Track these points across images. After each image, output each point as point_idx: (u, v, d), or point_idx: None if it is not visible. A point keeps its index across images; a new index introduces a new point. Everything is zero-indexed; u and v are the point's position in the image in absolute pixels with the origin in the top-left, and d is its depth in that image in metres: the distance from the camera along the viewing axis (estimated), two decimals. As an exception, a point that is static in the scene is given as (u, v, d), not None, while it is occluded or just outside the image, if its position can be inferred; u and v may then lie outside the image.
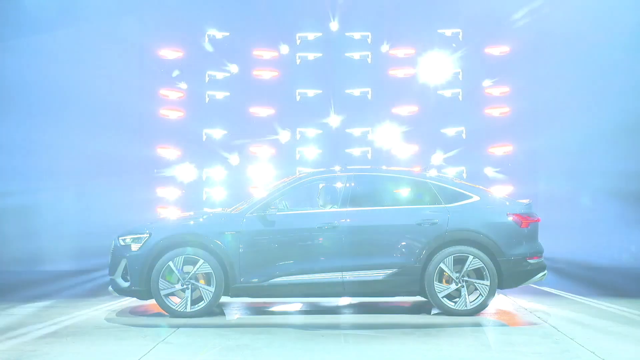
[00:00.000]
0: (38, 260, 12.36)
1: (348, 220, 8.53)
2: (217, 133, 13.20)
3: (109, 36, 12.90)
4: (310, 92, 13.19)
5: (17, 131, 12.43)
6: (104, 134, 12.74)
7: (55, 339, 7.35)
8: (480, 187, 9.30)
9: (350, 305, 9.23)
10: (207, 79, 13.23)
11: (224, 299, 8.60)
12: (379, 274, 8.41)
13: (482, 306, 8.37)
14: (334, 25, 13.06)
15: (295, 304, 9.32)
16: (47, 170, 12.60)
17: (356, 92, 13.17)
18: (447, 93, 13.16)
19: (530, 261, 8.52)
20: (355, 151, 13.13)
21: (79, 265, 12.02)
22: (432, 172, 9.62)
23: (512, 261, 8.43)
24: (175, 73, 12.70)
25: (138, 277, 8.36)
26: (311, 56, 13.19)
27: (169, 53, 13.08)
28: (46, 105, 12.61)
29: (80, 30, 12.81)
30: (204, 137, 13.20)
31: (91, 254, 11.72)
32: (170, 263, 8.34)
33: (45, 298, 9.86)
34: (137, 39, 13.12)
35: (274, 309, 9.19)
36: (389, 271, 8.41)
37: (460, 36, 13.20)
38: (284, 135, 13.12)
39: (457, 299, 8.40)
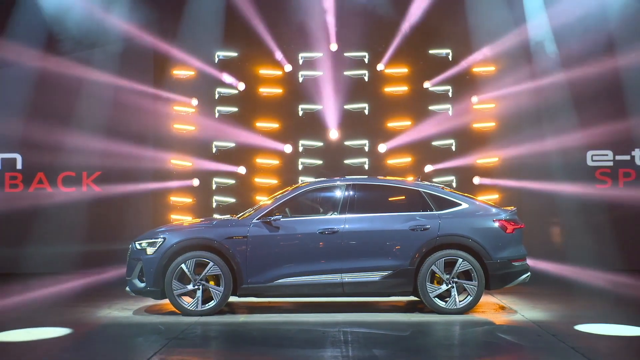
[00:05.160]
0: (64, 262, 12.25)
1: (347, 225, 8.61)
2: (226, 145, 13.15)
3: (128, 56, 12.88)
4: (312, 108, 13.17)
5: (46, 139, 12.35)
6: (123, 146, 12.65)
7: (77, 336, 7.54)
8: (469, 195, 9.38)
9: (349, 304, 9.27)
10: (216, 95, 13.18)
11: (232, 298, 8.68)
12: (375, 276, 8.52)
13: (471, 305, 8.50)
14: (333, 47, 13.02)
15: (298, 303, 9.38)
16: (74, 179, 12.59)
17: (354, 107, 13.13)
18: (438, 108, 13.05)
19: (515, 264, 8.62)
20: (353, 162, 13.08)
21: (98, 267, 11.94)
22: (431, 180, 9.77)
23: (498, 264, 8.51)
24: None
25: (153, 278, 8.46)
26: (313, 75, 13.15)
27: (183, 72, 13.03)
28: (74, 118, 12.58)
29: (104, 51, 12.79)
30: (214, 149, 13.13)
31: (110, 257, 11.67)
32: (183, 265, 8.44)
33: (69, 298, 9.96)
34: (154, 59, 13.08)
35: (279, 308, 9.20)
36: (384, 273, 8.51)
37: (449, 56, 13.09)
38: (287, 148, 13.09)
39: (448, 299, 8.51)
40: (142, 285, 8.54)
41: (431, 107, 13.10)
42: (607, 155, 12.78)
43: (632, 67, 12.39)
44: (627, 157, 12.78)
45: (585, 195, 12.47)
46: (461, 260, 8.49)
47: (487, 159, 12.98)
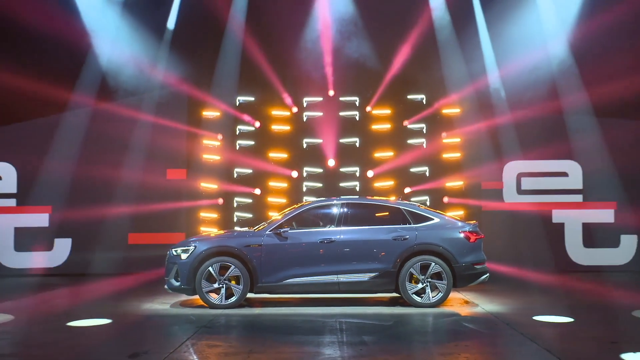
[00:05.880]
0: (119, 265, 12.21)
1: (341, 236, 8.66)
2: (244, 172, 13.10)
3: (168, 100, 12.92)
4: (314, 142, 13.16)
5: (102, 169, 12.33)
6: (162, 172, 12.77)
7: (127, 323, 7.70)
8: (440, 211, 9.39)
9: (343, 300, 9.27)
10: (237, 132, 13.13)
11: (249, 295, 8.73)
12: (364, 276, 8.57)
13: (441, 300, 8.57)
14: (331, 93, 13.04)
15: (303, 299, 9.35)
16: (124, 195, 12.46)
17: (348, 141, 13.11)
18: (415, 142, 13.05)
19: (477, 267, 8.70)
20: (347, 185, 13.03)
21: (142, 270, 11.91)
22: (409, 200, 9.55)
23: (463, 267, 8.58)
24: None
25: (186, 278, 8.50)
26: (314, 115, 13.14)
27: (211, 113, 13.02)
28: (126, 149, 12.55)
29: (149, 97, 12.79)
30: (235, 175, 13.02)
31: (152, 261, 11.56)
32: (210, 268, 8.51)
33: (121, 294, 9.96)
34: (188, 102, 13.05)
35: (287, 302, 9.20)
36: (372, 274, 8.57)
37: (424, 101, 13.05)
38: (294, 173, 13.06)
39: (423, 295, 8.57)
40: (178, 284, 8.59)
41: (409, 141, 13.06)
42: (539, 180, 12.73)
43: (569, 110, 12.39)
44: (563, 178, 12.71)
45: (530, 211, 12.48)
46: (434, 264, 8.55)
47: (454, 182, 12.95)
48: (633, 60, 11.57)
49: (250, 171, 13.19)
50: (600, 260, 12.34)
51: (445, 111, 13.14)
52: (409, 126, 13.18)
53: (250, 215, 13.05)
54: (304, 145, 13.27)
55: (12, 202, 12.63)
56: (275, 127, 13.25)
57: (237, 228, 12.51)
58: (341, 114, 13.19)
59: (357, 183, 13.16)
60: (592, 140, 12.26)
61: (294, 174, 13.18)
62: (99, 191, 12.45)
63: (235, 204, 13.15)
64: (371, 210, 9.13)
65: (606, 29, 11.43)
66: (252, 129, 13.26)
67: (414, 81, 13.06)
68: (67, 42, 11.45)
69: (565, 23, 12.04)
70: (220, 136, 13.14)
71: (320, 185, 13.19)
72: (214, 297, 8.55)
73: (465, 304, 8.95)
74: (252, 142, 13.25)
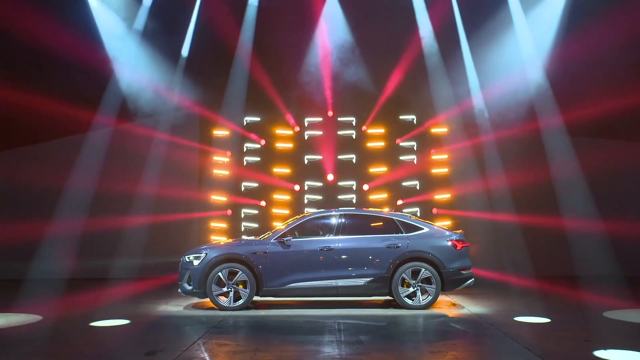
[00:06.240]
0: (136, 270, 12.20)
1: (340, 244, 8.65)
2: (251, 185, 13.14)
3: (182, 120, 12.97)
4: (314, 158, 13.20)
5: (122, 182, 12.35)
6: (176, 185, 12.74)
7: (143, 323, 7.70)
8: (429, 221, 9.36)
9: (341, 302, 9.26)
10: (245, 149, 13.17)
11: (255, 298, 8.74)
12: (360, 281, 8.55)
13: (431, 303, 8.58)
14: (330, 113, 13.12)
15: (304, 302, 9.38)
16: (142, 206, 12.40)
17: (345, 158, 13.15)
18: (406, 158, 13.11)
19: (463, 272, 8.68)
20: (345, 197, 13.06)
21: (158, 275, 11.93)
22: (401, 211, 9.50)
23: (450, 272, 8.57)
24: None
25: (198, 283, 8.50)
26: (315, 134, 13.20)
27: (220, 132, 13.08)
28: (143, 165, 12.59)
29: (165, 117, 12.83)
30: (243, 188, 13.08)
31: (166, 267, 11.53)
32: (220, 273, 8.52)
33: (138, 296, 10.01)
34: (200, 122, 13.13)
35: (290, 305, 9.20)
36: (367, 279, 8.55)
37: (415, 121, 13.11)
38: (296, 187, 13.09)
39: (414, 298, 8.58)
40: (190, 287, 8.59)
41: (401, 158, 13.12)
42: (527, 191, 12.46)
43: (545, 130, 12.35)
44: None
45: (512, 221, 12.37)
46: (424, 269, 8.55)
47: (442, 195, 12.98)
48: (603, 85, 11.59)
49: (256, 185, 13.24)
50: (574, 267, 12.20)
51: (434, 130, 13.20)
52: (401, 144, 13.23)
53: (256, 225, 13.08)
54: (306, 161, 13.30)
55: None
56: (279, 145, 13.30)
57: (244, 237, 12.50)
58: (339, 132, 13.26)
59: (353, 196, 13.19)
60: (566, 157, 12.22)
61: (296, 187, 13.21)
62: (119, 202, 12.47)
63: (242, 215, 13.18)
64: (366, 221, 9.09)
65: (578, 56, 11.42)
66: (258, 146, 13.31)
67: (405, 103, 13.12)
68: (91, 68, 11.52)
69: (542, 51, 12.04)
70: (229, 153, 13.20)
71: (320, 197, 13.21)
72: (223, 300, 8.56)
73: (453, 306, 8.95)
74: (258, 159, 13.30)
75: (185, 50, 12.70)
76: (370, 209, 10.37)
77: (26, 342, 6.70)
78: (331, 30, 12.60)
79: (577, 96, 11.70)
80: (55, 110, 11.33)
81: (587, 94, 11.56)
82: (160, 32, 12.25)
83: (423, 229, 8.85)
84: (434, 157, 13.17)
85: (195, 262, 8.60)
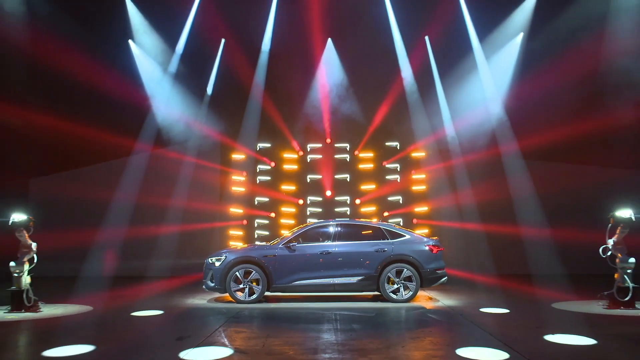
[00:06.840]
0: (168, 270, 12.11)
1: (336, 249, 8.60)
2: (263, 200, 13.13)
3: (206, 146, 12.94)
4: (315, 177, 13.23)
5: (157, 198, 12.35)
6: (201, 200, 12.72)
7: (172, 315, 7.59)
8: (410, 230, 9.28)
9: (337, 297, 9.21)
10: (257, 170, 13.15)
11: (266, 293, 8.71)
12: (353, 279, 8.50)
13: (412, 297, 8.51)
14: (328, 140, 13.14)
15: (307, 296, 9.28)
16: (173, 217, 12.34)
17: (341, 177, 13.20)
18: (391, 178, 13.11)
19: (438, 272, 8.61)
20: (340, 210, 13.08)
21: (186, 274, 11.88)
22: (387, 221, 9.34)
23: (428, 272, 8.51)
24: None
25: (219, 280, 8.44)
26: (316, 157, 13.23)
27: (238, 156, 13.08)
28: (174, 184, 12.57)
29: (192, 144, 12.83)
30: (256, 202, 13.04)
31: (193, 268, 11.48)
32: (237, 273, 8.46)
33: (170, 291, 9.94)
34: (220, 148, 13.12)
35: (295, 299, 9.14)
36: (359, 277, 8.50)
37: (398, 147, 13.10)
38: (300, 201, 13.14)
39: (398, 293, 8.50)
40: (212, 284, 8.51)
41: (387, 177, 13.12)
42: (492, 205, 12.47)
43: (505, 154, 12.36)
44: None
45: (478, 229, 12.29)
46: (406, 269, 8.50)
47: (421, 208, 12.97)
48: (551, 117, 11.80)
49: (267, 199, 13.21)
50: (528, 267, 12.16)
51: (414, 154, 13.21)
52: (387, 166, 13.26)
53: (267, 233, 13.05)
54: (308, 180, 13.29)
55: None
56: (286, 166, 13.30)
57: (257, 242, 12.56)
58: (336, 156, 13.29)
59: (348, 208, 13.18)
60: (522, 177, 12.29)
61: (300, 201, 13.21)
62: (154, 214, 12.42)
63: (256, 224, 13.16)
64: (358, 229, 9.00)
65: (531, 94, 11.64)
66: (269, 167, 13.30)
67: (390, 132, 13.14)
68: (133, 104, 11.73)
69: (501, 90, 12.20)
70: (245, 173, 13.18)
71: (320, 210, 13.19)
72: (240, 295, 8.52)
73: (430, 300, 8.91)
74: (269, 178, 13.28)
75: (209, 89, 12.85)
76: (362, 219, 10.16)
77: (80, 327, 6.78)
78: (329, 72, 12.75)
79: (530, 126, 11.81)
80: (103, 138, 11.49)
81: (538, 125, 11.68)
82: (190, 75, 12.48)
83: (405, 236, 8.81)
84: (414, 176, 13.16)
85: (217, 263, 8.55)
